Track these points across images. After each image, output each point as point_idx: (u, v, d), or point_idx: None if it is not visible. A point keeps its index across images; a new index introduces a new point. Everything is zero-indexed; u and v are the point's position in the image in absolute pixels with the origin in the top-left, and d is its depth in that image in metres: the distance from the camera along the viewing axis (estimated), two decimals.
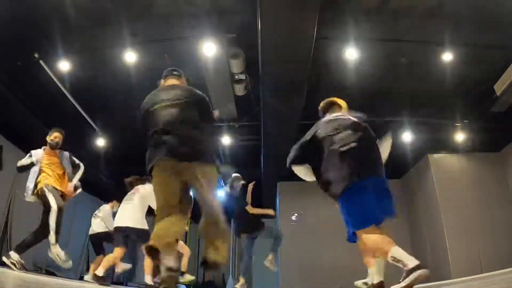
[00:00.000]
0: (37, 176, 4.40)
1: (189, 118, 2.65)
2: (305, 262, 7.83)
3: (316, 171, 2.79)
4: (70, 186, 4.57)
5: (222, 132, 7.30)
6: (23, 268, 4.20)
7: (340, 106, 3.25)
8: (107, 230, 6.21)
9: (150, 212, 4.79)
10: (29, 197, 4.36)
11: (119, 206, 5.55)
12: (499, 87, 5.69)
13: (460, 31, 5.05)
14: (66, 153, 4.78)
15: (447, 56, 5.40)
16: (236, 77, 5.74)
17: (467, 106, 6.61)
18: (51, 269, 7.08)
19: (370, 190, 2.54)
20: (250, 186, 5.71)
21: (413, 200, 8.10)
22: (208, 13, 4.84)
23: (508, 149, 7.04)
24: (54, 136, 4.67)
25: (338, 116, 2.99)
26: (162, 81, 3.09)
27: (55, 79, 5.66)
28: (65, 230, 7.94)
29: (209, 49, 5.08)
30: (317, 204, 8.53)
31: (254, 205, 5.60)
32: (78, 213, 8.60)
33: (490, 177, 7.05)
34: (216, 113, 3.02)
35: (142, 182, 5.21)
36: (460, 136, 7.16)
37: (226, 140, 7.42)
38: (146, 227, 4.86)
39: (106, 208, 6.49)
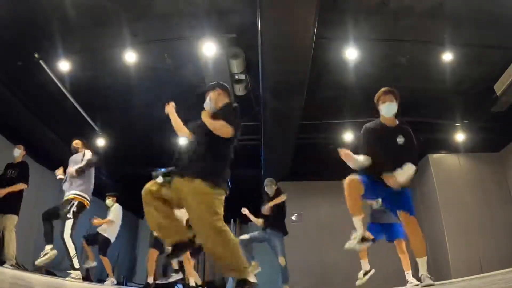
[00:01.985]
0: None
1: None
2: (305, 261, 7.83)
3: None
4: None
5: None
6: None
7: None
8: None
9: None
10: None
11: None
12: (499, 87, 5.69)
13: (460, 31, 5.05)
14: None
15: (447, 56, 5.40)
16: (236, 77, 5.73)
17: (467, 106, 6.61)
18: (51, 269, 7.07)
19: None
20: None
21: (413, 200, 8.09)
22: (208, 13, 4.84)
23: (508, 149, 7.04)
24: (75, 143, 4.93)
25: None
26: None
27: (55, 79, 5.66)
28: None
29: (209, 49, 5.07)
30: (317, 204, 8.54)
31: None
32: None
33: (490, 177, 7.05)
34: None
35: None
36: (460, 136, 7.16)
37: None
38: None
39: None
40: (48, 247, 4.40)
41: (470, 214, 6.71)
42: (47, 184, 6.95)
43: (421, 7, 4.75)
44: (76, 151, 4.85)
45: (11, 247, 4.85)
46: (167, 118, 3.40)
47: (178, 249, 2.57)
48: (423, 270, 2.99)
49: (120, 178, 8.66)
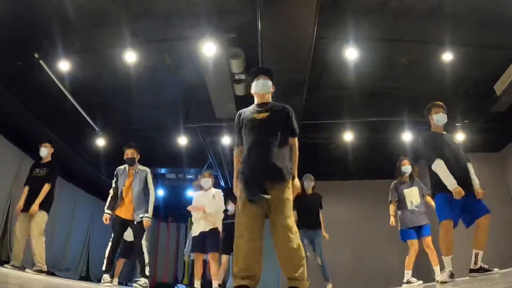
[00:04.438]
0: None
1: None
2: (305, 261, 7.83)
3: None
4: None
5: (222, 132, 7.31)
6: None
7: None
8: None
9: None
10: None
11: None
12: (499, 87, 5.69)
13: (460, 31, 5.05)
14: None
15: (447, 56, 5.40)
16: (236, 77, 5.73)
17: (467, 106, 6.61)
18: (51, 269, 7.08)
19: None
20: None
21: None
22: (208, 13, 4.84)
23: (508, 149, 7.04)
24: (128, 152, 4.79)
25: None
26: None
27: (55, 79, 5.66)
28: (65, 230, 7.97)
29: (209, 49, 5.07)
30: None
31: None
32: (77, 213, 8.61)
33: (490, 177, 7.04)
34: None
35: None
36: (460, 136, 7.16)
37: (226, 140, 7.43)
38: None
39: None
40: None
41: None
42: None
43: (421, 7, 4.75)
44: (133, 161, 4.74)
45: (40, 252, 4.55)
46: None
47: None
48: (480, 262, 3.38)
49: None
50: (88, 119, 6.84)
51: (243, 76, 5.74)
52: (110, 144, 7.53)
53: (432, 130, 3.98)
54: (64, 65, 5.42)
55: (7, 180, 6.44)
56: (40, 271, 4.50)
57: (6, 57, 5.26)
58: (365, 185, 8.36)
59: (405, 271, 4.77)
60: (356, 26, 5.01)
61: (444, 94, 6.41)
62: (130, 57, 5.30)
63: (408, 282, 4.68)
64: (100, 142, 7.48)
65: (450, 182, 3.47)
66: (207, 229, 4.80)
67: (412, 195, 4.79)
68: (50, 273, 6.72)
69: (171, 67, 5.68)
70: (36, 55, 5.25)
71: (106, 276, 4.27)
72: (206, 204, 4.85)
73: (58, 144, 6.99)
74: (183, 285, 10.13)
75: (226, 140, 7.43)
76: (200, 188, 5.17)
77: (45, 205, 4.76)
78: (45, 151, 5.03)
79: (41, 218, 4.69)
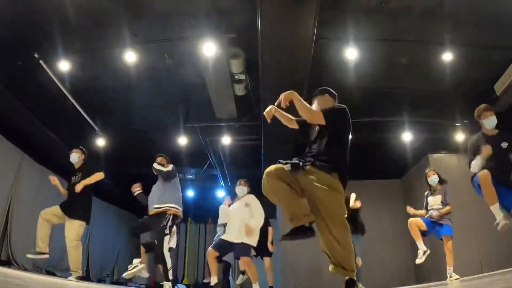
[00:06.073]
0: None
1: None
2: (305, 262, 7.84)
3: None
4: None
5: (222, 132, 7.31)
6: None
7: None
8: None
9: None
10: None
11: None
12: (499, 87, 5.69)
13: (460, 31, 5.05)
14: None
15: (447, 56, 5.40)
16: (236, 77, 5.74)
17: (467, 106, 6.61)
18: (51, 269, 7.08)
19: None
20: None
21: (413, 200, 8.09)
22: (208, 13, 4.84)
23: None
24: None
25: None
26: None
27: (55, 79, 5.66)
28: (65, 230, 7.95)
29: (209, 49, 5.08)
30: None
31: None
32: None
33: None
34: None
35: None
36: (460, 136, 7.16)
37: (226, 140, 7.43)
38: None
39: None
40: (137, 261, 4.48)
41: (469, 214, 6.70)
42: (47, 184, 6.95)
43: (421, 7, 4.76)
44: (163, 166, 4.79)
45: (75, 259, 4.55)
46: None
47: (298, 232, 2.55)
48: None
49: (120, 178, 8.68)
50: (88, 119, 6.85)
51: (243, 76, 5.74)
52: (110, 144, 7.53)
53: (483, 132, 4.18)
54: (64, 65, 5.43)
55: (7, 180, 6.44)
56: (80, 277, 4.59)
57: (6, 57, 5.27)
58: (365, 185, 8.36)
59: (417, 242, 4.87)
60: (356, 26, 5.01)
61: (444, 94, 6.42)
62: (130, 57, 5.31)
63: (424, 253, 4.80)
64: (100, 142, 7.48)
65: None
66: (236, 241, 4.55)
67: (434, 202, 5.13)
68: (50, 273, 6.72)
69: (171, 67, 5.68)
70: (36, 55, 5.26)
71: (135, 260, 4.44)
72: (236, 214, 4.67)
73: (58, 144, 7.03)
74: (183, 285, 10.14)
75: (226, 140, 7.43)
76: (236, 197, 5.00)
77: (84, 215, 4.74)
78: (75, 157, 4.91)
79: (78, 226, 4.66)
